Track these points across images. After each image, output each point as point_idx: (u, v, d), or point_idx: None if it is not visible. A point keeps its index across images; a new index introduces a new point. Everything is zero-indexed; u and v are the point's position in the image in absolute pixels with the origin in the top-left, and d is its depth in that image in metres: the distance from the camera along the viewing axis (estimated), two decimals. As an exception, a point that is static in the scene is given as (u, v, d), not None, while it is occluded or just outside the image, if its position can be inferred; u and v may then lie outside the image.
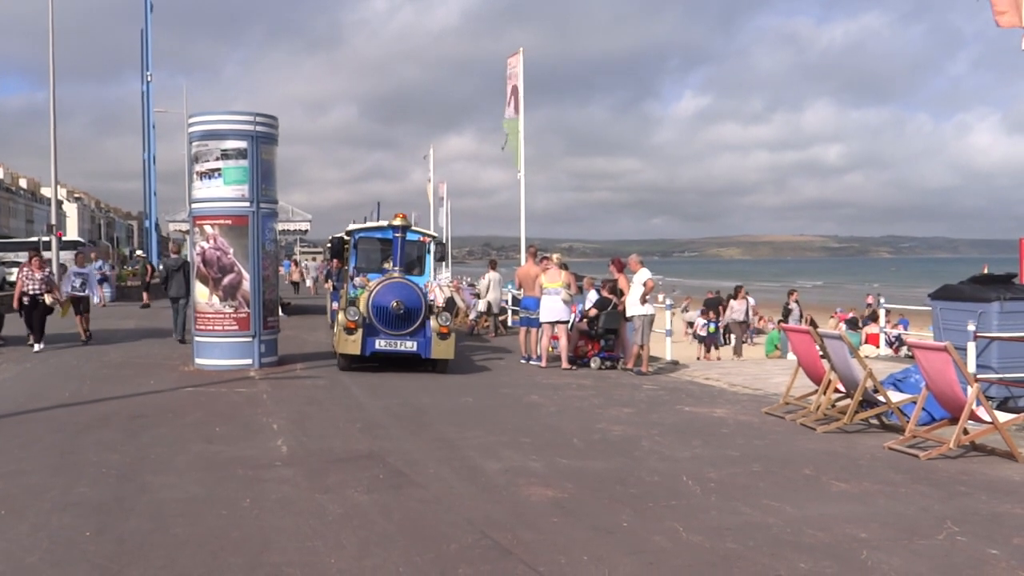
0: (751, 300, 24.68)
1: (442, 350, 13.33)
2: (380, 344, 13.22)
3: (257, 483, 6.90)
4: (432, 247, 17.14)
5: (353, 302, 13.78)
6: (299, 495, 6.58)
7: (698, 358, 21.95)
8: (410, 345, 13.30)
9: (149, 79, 39.31)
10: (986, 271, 13.78)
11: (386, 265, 14.91)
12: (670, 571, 5.04)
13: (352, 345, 13.09)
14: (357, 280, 14.89)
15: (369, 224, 20.14)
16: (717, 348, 23.67)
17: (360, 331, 13.03)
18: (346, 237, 17.32)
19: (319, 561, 5.15)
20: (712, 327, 23.71)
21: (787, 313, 21.97)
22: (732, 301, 23.43)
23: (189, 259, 15.62)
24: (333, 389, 11.92)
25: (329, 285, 25.80)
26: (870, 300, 26.52)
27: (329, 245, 21.00)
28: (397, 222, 14.28)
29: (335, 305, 17.42)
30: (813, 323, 23.18)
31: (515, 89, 22.66)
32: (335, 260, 20.90)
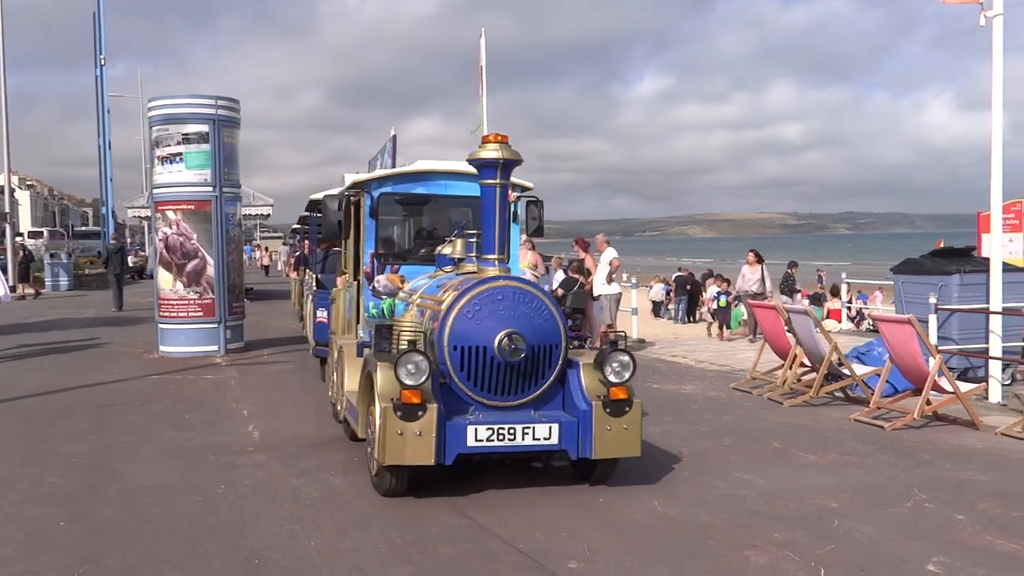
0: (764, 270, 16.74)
1: (617, 441, 5.95)
2: (479, 436, 5.83)
3: (231, 469, 6.87)
4: (523, 209, 8.10)
5: (388, 334, 6.12)
6: (274, 480, 6.56)
7: (709, 335, 18.10)
8: (543, 434, 5.90)
9: (102, 63, 38.51)
10: (942, 245, 14.00)
11: (446, 250, 6.95)
12: (648, 544, 5.12)
13: (419, 450, 5.70)
14: (382, 281, 7.33)
15: (398, 170, 8.73)
16: (728, 327, 17.48)
17: (433, 410, 5.68)
18: (350, 197, 8.16)
19: (298, 544, 5.15)
20: (723, 300, 18.08)
21: (792, 286, 19.70)
22: (744, 267, 16.92)
23: (126, 246, 23.68)
24: (302, 374, 11.84)
25: (297, 275, 19.98)
26: (823, 275, 26.72)
27: (311, 215, 15.10)
28: (489, 153, 6.09)
29: (320, 314, 10.49)
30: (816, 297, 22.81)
31: (481, 70, 22.61)
32: (323, 242, 12.79)
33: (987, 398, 9.40)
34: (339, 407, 7.74)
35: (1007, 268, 10.35)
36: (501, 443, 5.82)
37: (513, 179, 6.91)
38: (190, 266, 13.56)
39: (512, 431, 5.80)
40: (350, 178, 9.06)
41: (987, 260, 10.31)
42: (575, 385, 6.05)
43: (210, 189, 13.51)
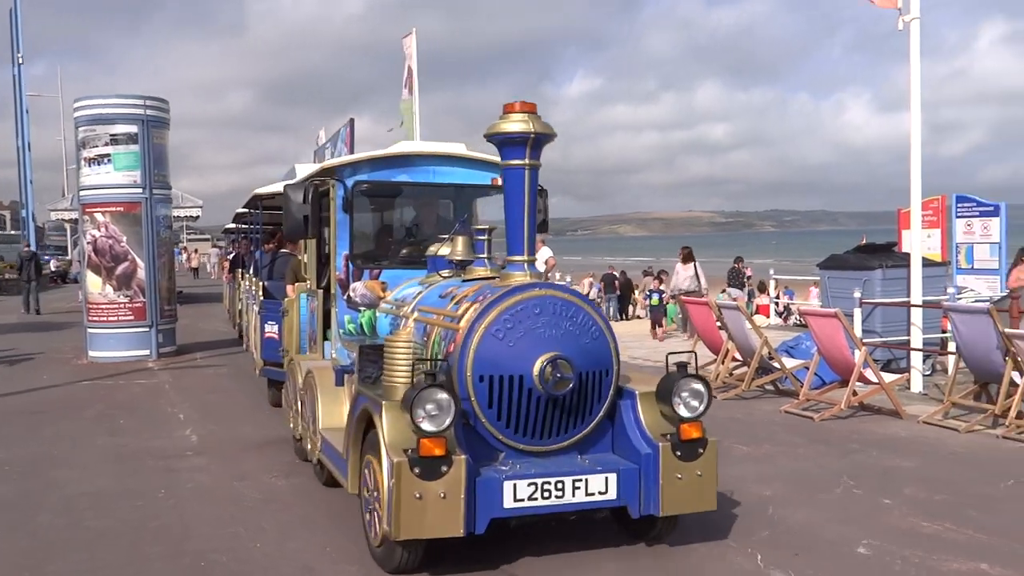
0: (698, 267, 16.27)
1: (689, 492, 4.71)
2: (519, 494, 4.45)
3: (169, 473, 6.79)
4: None
5: (376, 358, 4.98)
6: (215, 483, 6.52)
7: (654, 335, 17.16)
8: (597, 488, 4.58)
9: (20, 61, 37.39)
10: (865, 241, 14.47)
11: (442, 251, 5.93)
12: (597, 542, 5.21)
13: (444, 517, 4.29)
14: (359, 289, 6.19)
15: (377, 153, 6.77)
16: (662, 326, 17.34)
17: (461, 464, 4.29)
18: (318, 187, 6.57)
19: (242, 546, 5.15)
20: (656, 298, 17.75)
21: (741, 282, 20.30)
22: (677, 265, 16.56)
23: (38, 252, 24.27)
24: (237, 378, 11.71)
25: (231, 278, 18.22)
26: (749, 272, 27.23)
27: (251, 212, 12.93)
28: (515, 126, 4.70)
29: (270, 329, 9.03)
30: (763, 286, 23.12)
31: (410, 70, 22.58)
32: (270, 243, 11.72)
33: (909, 388, 9.77)
34: (310, 446, 6.09)
35: (926, 263, 10.77)
36: (547, 502, 4.43)
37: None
38: (120, 269, 13.30)
39: (560, 485, 4.44)
40: (304, 169, 7.98)
41: (907, 255, 10.72)
42: (630, 421, 4.73)
43: (140, 191, 13.27)
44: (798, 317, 19.12)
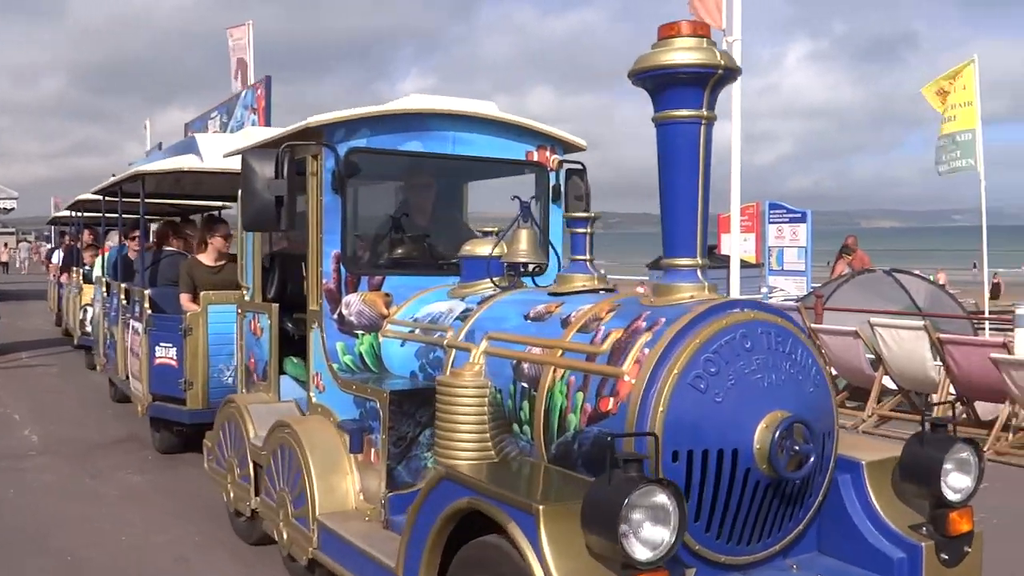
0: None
1: None
2: None
3: (15, 473, 6.65)
4: (562, 181, 4.98)
5: (408, 417, 3.73)
6: (68, 482, 6.44)
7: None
8: None
9: None
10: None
11: (481, 248, 4.25)
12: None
13: None
14: (356, 305, 4.37)
15: (381, 109, 4.44)
16: None
17: None
18: (293, 155, 4.28)
19: (109, 540, 5.19)
20: None
21: None
22: None
23: None
24: (70, 377, 11.37)
25: (58, 277, 16.04)
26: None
27: (104, 199, 9.55)
28: (688, 56, 2.92)
29: (164, 354, 6.92)
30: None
31: (242, 62, 22.30)
32: (132, 236, 9.32)
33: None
34: (288, 537, 4.24)
35: (743, 264, 11.74)
36: None
37: (551, 129, 4.85)
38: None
39: None
40: (237, 140, 6.09)
41: (727, 257, 11.65)
42: (854, 505, 3.19)
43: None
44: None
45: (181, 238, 8.27)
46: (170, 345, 6.76)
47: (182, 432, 6.95)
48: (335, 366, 4.23)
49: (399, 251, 4.70)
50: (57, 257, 17.04)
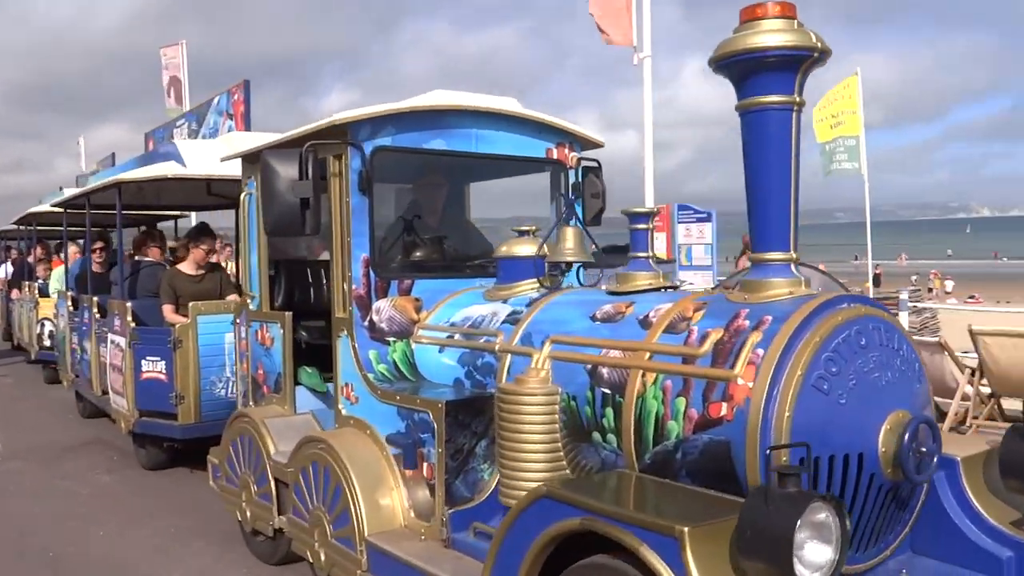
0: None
1: None
2: None
3: (-15, 477, 6.77)
4: (579, 180, 4.87)
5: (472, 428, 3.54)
6: (40, 484, 6.61)
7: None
8: None
9: None
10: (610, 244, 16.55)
11: (520, 248, 4.07)
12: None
13: None
14: (386, 311, 4.17)
15: (408, 106, 4.22)
16: None
17: None
18: (316, 154, 4.04)
19: (86, 537, 5.38)
20: None
21: None
22: None
23: None
24: (27, 386, 11.48)
25: (11, 293, 14.94)
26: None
27: (65, 211, 9.19)
28: (775, 38, 2.78)
29: (152, 368, 6.65)
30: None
31: (175, 80, 22.75)
32: (97, 248, 9.08)
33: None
34: (326, 558, 3.99)
35: (657, 261, 12.49)
36: None
37: (571, 126, 4.73)
38: None
39: None
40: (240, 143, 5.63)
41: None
42: (950, 502, 3.04)
43: None
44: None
45: (157, 247, 8.17)
46: (158, 358, 6.51)
47: (172, 448, 6.74)
48: (371, 376, 3.99)
49: (421, 253, 4.51)
50: (4, 271, 16.52)
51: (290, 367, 4.67)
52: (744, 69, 2.83)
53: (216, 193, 7.38)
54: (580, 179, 4.79)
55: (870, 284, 14.11)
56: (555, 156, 4.65)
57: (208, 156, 6.54)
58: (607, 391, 3.12)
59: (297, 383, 4.71)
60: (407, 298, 4.22)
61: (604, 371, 3.15)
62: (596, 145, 4.92)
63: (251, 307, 5.02)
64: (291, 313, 4.69)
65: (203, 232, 7.14)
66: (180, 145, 7.20)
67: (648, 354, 3.04)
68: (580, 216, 4.42)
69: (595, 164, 4.87)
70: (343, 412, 4.18)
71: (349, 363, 4.11)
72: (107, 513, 5.82)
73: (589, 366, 3.21)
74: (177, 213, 10.46)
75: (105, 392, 7.55)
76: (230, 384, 6.23)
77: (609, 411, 3.10)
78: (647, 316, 3.20)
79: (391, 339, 4.10)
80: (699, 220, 15.98)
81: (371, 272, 4.15)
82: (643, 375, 3.01)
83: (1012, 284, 38.84)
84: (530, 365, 3.26)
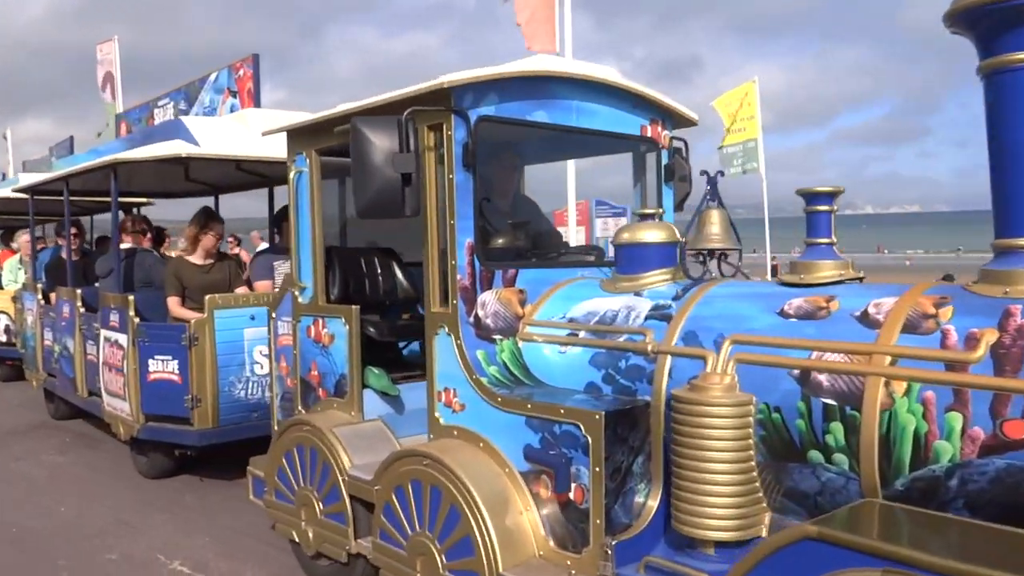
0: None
1: None
2: None
3: (-64, 464, 6.56)
4: (671, 161, 4.39)
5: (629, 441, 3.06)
6: (-7, 467, 6.42)
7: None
8: None
9: None
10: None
11: (646, 234, 3.61)
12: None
13: None
14: (492, 304, 3.66)
15: (514, 70, 3.63)
16: None
17: None
18: (413, 122, 3.47)
19: (49, 512, 5.36)
20: None
21: None
22: None
23: None
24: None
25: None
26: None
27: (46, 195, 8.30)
28: None
29: (163, 368, 5.85)
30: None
31: (109, 75, 22.43)
32: (75, 235, 8.31)
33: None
34: None
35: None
36: None
37: (668, 101, 4.24)
38: None
39: None
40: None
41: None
42: None
43: None
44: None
45: (139, 233, 7.11)
46: (169, 357, 5.72)
47: (184, 455, 6.01)
48: (484, 380, 3.41)
49: (517, 241, 4.01)
50: None
51: (358, 368, 4.10)
52: (996, 21, 2.42)
53: (248, 171, 6.73)
54: (670, 160, 4.32)
55: (768, 274, 15.20)
56: (649, 134, 4.19)
57: (224, 134, 6.02)
58: (831, 402, 2.67)
59: (367, 386, 4.19)
60: (512, 290, 3.67)
61: (823, 378, 2.68)
62: (690, 123, 4.43)
63: (301, 300, 4.38)
64: (358, 307, 4.13)
65: (211, 217, 6.28)
66: (189, 122, 6.37)
67: (889, 359, 2.57)
68: (667, 202, 4.22)
69: (682, 144, 4.40)
70: (441, 421, 3.58)
71: (452, 365, 3.52)
72: (66, 490, 5.81)
73: (797, 372, 2.74)
74: (143, 200, 9.37)
75: (93, 394, 6.74)
76: (249, 384, 5.74)
77: (836, 426, 2.65)
78: (865, 312, 2.74)
79: (497, 337, 3.56)
80: (615, 215, 16.92)
81: (475, 260, 3.55)
82: (887, 384, 2.55)
83: (895, 273, 42.16)
84: (706, 370, 2.77)
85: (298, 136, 4.29)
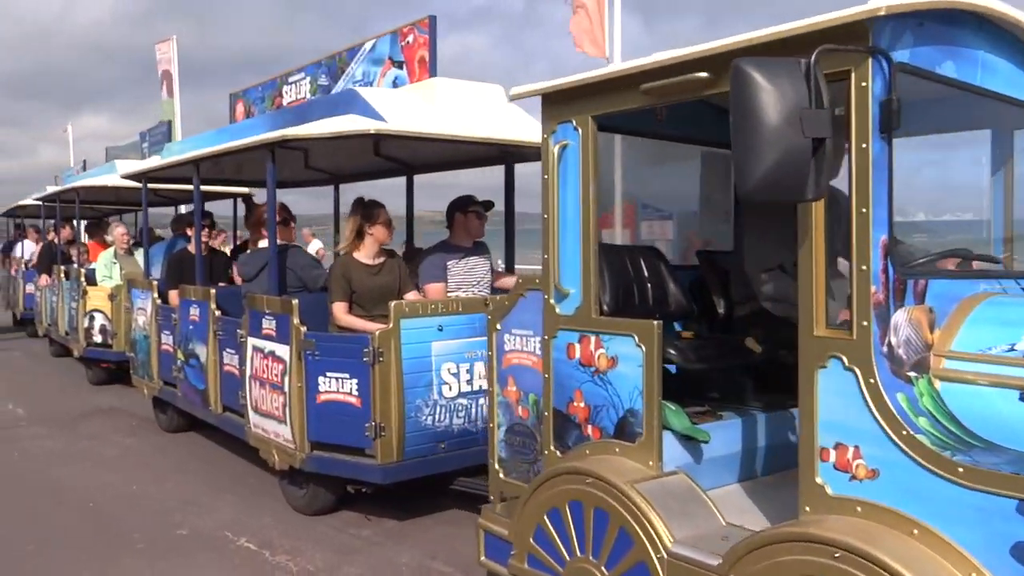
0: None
1: None
2: None
3: (12, 442, 6.87)
4: None
5: None
6: (64, 446, 6.72)
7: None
8: None
9: None
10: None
11: None
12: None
13: None
14: (903, 330, 2.50)
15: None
16: None
17: None
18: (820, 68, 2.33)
19: (120, 491, 5.55)
20: None
21: None
22: None
23: None
24: (33, 359, 11.53)
25: (39, 279, 12.27)
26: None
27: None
28: None
29: (332, 388, 4.86)
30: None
31: (167, 73, 23.37)
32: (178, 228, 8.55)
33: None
34: None
35: None
36: None
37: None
38: None
39: None
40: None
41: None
42: None
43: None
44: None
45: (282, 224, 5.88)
46: (346, 376, 4.81)
47: (357, 491, 5.05)
48: (923, 438, 2.33)
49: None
50: (20, 251, 15.44)
51: (658, 404, 3.08)
52: None
53: (385, 155, 5.97)
54: None
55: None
56: None
57: (408, 109, 5.04)
58: None
59: (670, 426, 3.22)
60: (922, 308, 2.59)
61: None
62: None
63: (560, 310, 3.38)
64: (660, 323, 3.07)
65: (370, 205, 5.27)
66: (365, 93, 5.21)
67: None
68: None
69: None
70: (829, 491, 2.51)
71: (855, 412, 2.47)
72: (136, 471, 6.02)
73: None
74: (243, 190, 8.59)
75: (230, 410, 5.95)
76: (437, 409, 4.84)
77: None
78: None
79: (912, 374, 2.51)
80: (661, 218, 16.76)
81: (889, 265, 2.48)
82: None
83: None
84: None
85: (563, 100, 3.30)
